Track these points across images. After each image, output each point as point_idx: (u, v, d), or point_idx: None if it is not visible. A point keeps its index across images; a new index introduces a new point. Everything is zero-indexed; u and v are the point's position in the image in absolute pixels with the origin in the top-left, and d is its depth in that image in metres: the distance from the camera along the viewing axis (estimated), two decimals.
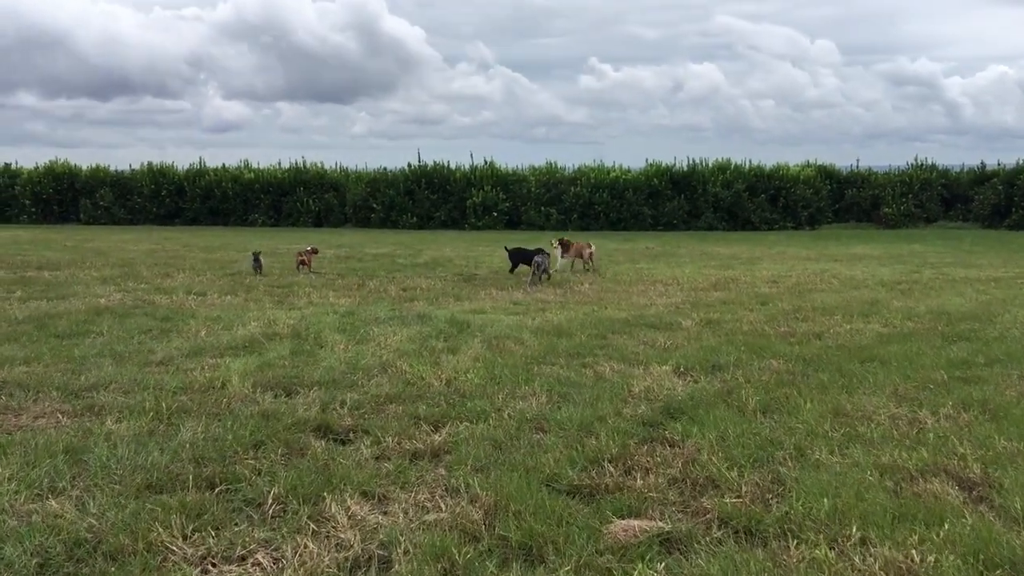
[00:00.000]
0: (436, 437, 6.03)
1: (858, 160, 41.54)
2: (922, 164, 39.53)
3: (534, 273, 16.33)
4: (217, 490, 5.00)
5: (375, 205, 39.50)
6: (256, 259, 17.48)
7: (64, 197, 41.74)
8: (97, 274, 17.13)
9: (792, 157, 43.49)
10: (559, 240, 19.37)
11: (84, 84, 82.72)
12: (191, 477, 5.11)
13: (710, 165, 39.08)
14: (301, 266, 18.07)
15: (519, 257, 18.01)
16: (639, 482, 5.14)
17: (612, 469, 5.34)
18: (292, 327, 10.49)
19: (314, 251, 18.90)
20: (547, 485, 5.11)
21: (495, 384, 7.48)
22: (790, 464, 5.44)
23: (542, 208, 38.34)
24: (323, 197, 40.35)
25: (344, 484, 5.07)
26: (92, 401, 6.84)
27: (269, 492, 4.90)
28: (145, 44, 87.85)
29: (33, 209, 40.86)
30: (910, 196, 37.94)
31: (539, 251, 17.74)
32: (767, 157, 38.76)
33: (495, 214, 38.32)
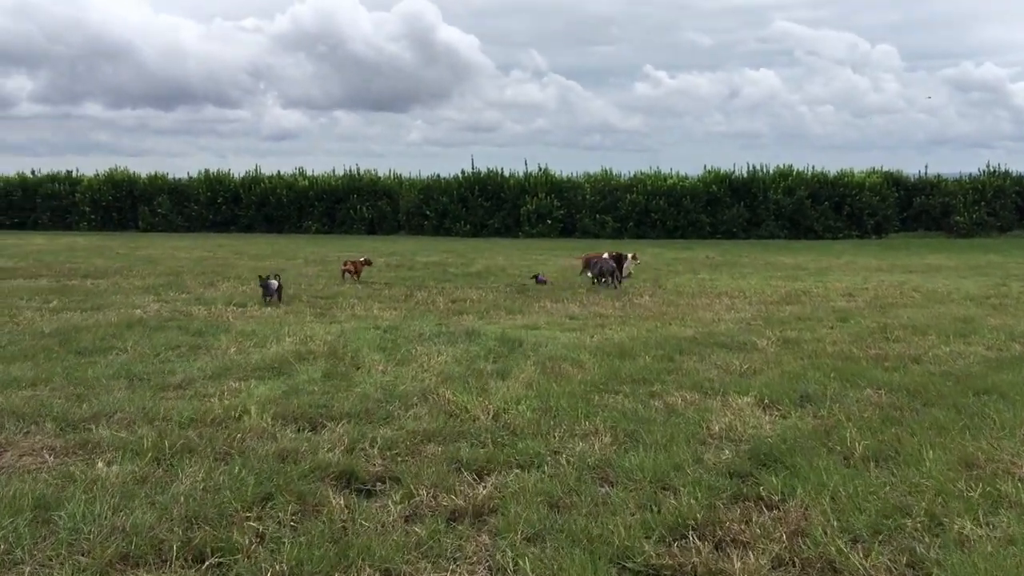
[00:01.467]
0: (480, 490, 4.94)
1: (927, 166, 39.67)
2: (995, 171, 37.38)
3: (605, 280, 16.14)
4: (207, 564, 3.98)
5: (428, 212, 38.66)
6: (267, 284, 13.55)
7: (123, 204, 41.65)
8: (140, 283, 16.43)
9: (852, 164, 41.88)
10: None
11: (148, 94, 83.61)
12: (176, 546, 4.09)
13: (771, 172, 37.46)
14: (346, 275, 17.09)
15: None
16: (736, 564, 3.99)
17: (699, 543, 4.19)
18: (329, 345, 9.50)
19: (367, 262, 17.71)
20: (617, 564, 4.00)
21: (550, 419, 6.37)
22: (926, 539, 4.24)
23: (597, 216, 37.11)
24: (376, 204, 39.64)
25: (362, 559, 4.01)
26: (88, 436, 5.88)
27: (268, 571, 3.86)
28: (206, 55, 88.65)
29: (93, 216, 40.84)
30: (983, 204, 35.85)
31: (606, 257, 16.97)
32: (826, 164, 37.19)
33: (549, 222, 37.21)
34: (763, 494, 4.82)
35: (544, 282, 16.31)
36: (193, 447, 5.62)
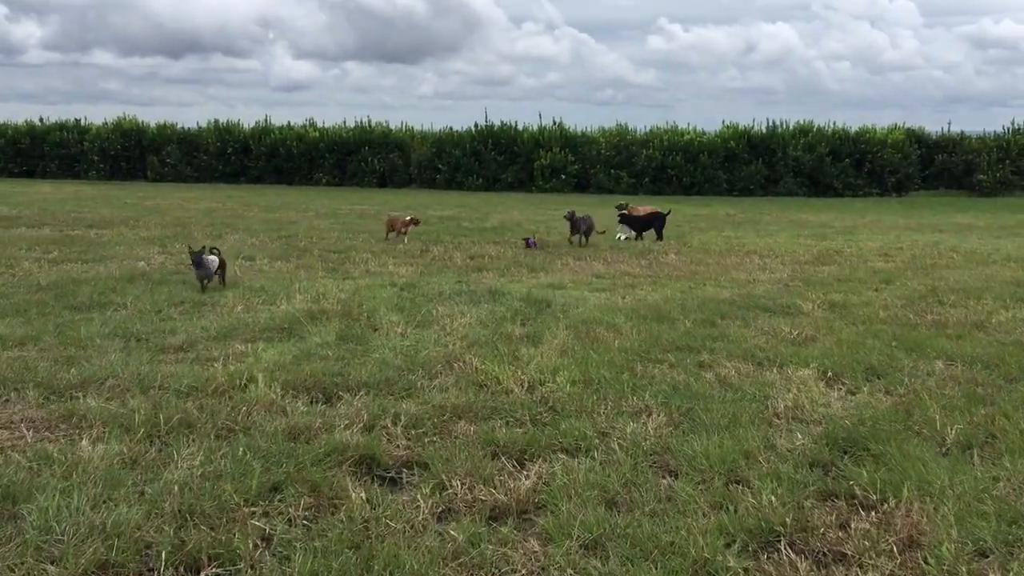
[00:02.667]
0: (522, 481, 4.20)
1: (949, 123, 38.43)
2: (1019, 128, 36.16)
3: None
4: (202, 575, 3.27)
5: (440, 166, 37.71)
6: (200, 259, 9.51)
7: (132, 154, 40.77)
8: (146, 234, 15.67)
9: (868, 121, 40.34)
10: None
11: (157, 43, 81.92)
12: (166, 552, 3.37)
13: (790, 127, 36.36)
14: (390, 235, 15.38)
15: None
16: None
17: (794, 556, 3.45)
18: (343, 303, 8.75)
19: (414, 222, 15.37)
20: None
21: (593, 392, 5.62)
22: None
23: (612, 171, 36.14)
24: (388, 157, 38.70)
25: (390, 571, 3.28)
26: (74, 407, 5.15)
27: None
28: (216, 4, 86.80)
29: (101, 165, 40.01)
30: (1007, 162, 34.72)
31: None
32: (843, 120, 35.83)
33: (563, 176, 36.25)
34: (855, 491, 4.06)
35: (535, 246, 14.60)
36: (192, 422, 4.88)
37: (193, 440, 4.60)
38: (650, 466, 4.45)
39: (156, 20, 79.24)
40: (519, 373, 6.02)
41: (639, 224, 16.47)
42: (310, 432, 4.82)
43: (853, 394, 5.83)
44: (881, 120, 35.11)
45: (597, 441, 4.75)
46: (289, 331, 7.38)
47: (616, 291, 10.04)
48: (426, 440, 4.77)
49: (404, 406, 5.28)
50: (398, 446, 4.69)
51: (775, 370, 6.32)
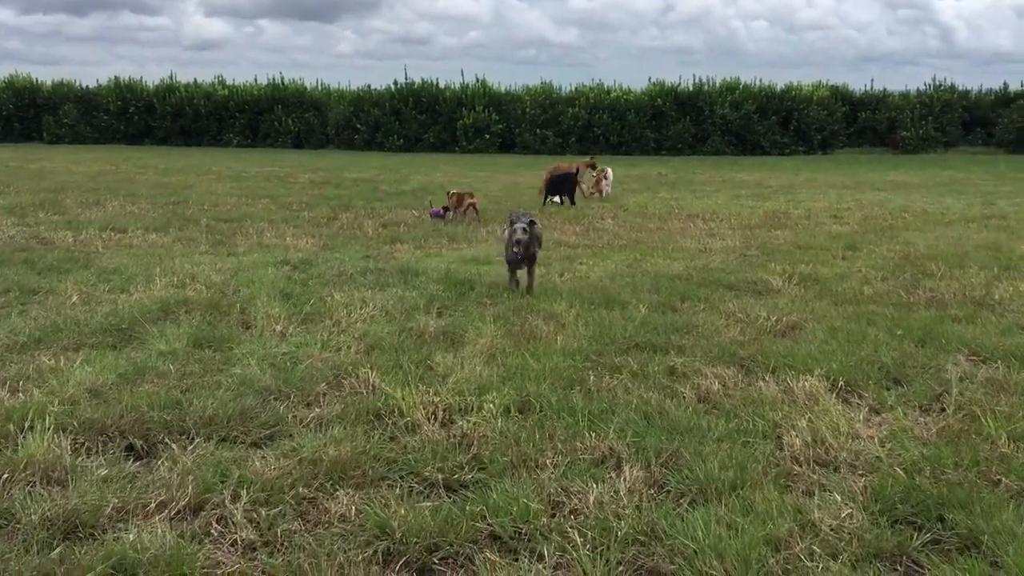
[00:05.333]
0: None
1: (872, 80, 37.64)
2: (940, 84, 35.56)
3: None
4: None
5: (359, 126, 35.40)
6: None
7: (26, 114, 37.36)
8: (5, 201, 13.32)
9: (786, 79, 39.24)
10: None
11: None
12: None
13: (717, 85, 35.04)
14: (451, 211, 12.16)
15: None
16: None
17: None
18: (214, 289, 6.87)
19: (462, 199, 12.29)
20: None
21: (535, 428, 3.91)
22: None
23: (538, 130, 34.34)
24: (303, 116, 36.17)
25: None
26: None
27: None
28: None
29: None
30: (930, 119, 34.07)
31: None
32: (762, 78, 34.59)
33: (487, 136, 34.35)
34: None
35: (441, 215, 12.10)
36: None
37: None
38: (632, 574, 2.77)
39: None
40: (431, 395, 4.27)
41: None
42: (84, 531, 3.01)
43: (878, 413, 4.27)
44: (798, 79, 34.18)
45: (545, 523, 3.05)
46: (128, 335, 5.47)
47: (552, 266, 8.34)
48: (280, 530, 3.01)
49: (258, 464, 3.49)
50: (234, 545, 2.92)
51: (769, 378, 4.71)
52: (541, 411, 4.12)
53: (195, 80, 37.77)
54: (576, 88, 35.86)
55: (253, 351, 5.10)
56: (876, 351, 5.24)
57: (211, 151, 32.78)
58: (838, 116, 34.83)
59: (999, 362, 5.04)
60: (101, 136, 36.59)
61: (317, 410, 4.17)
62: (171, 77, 37.81)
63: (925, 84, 35.72)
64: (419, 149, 34.64)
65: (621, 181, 19.92)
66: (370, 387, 4.49)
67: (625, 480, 3.34)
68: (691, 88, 34.89)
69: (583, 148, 33.80)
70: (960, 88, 35.61)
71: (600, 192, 15.77)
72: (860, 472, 3.53)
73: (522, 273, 7.07)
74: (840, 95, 35.81)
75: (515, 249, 6.60)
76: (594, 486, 3.30)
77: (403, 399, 4.17)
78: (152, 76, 41.79)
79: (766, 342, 5.48)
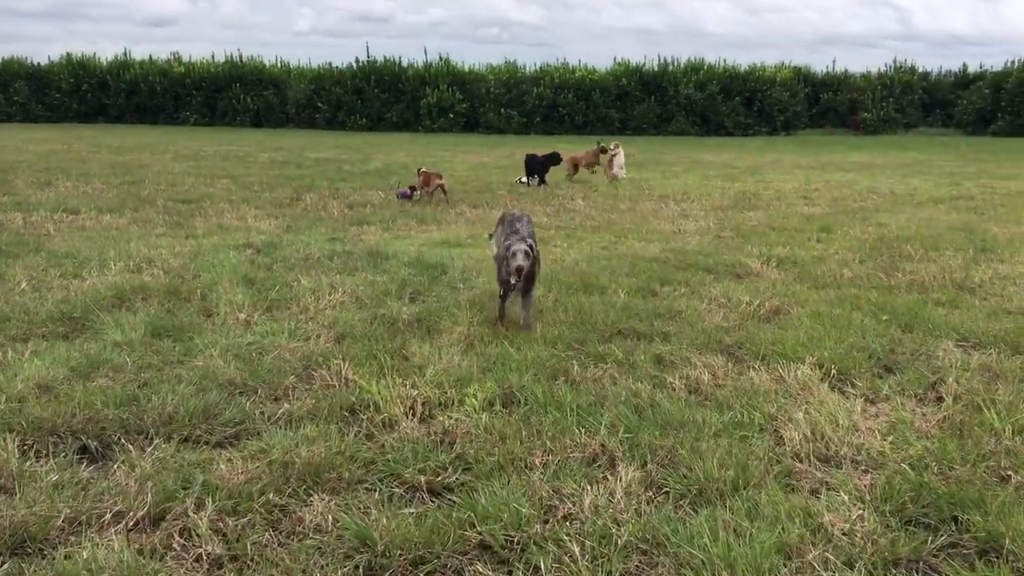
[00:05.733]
0: None
1: (834, 61, 37.80)
2: (901, 66, 35.79)
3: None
4: None
5: (320, 104, 34.73)
6: None
7: None
8: None
9: (746, 61, 39.21)
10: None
11: None
12: None
13: (682, 65, 34.89)
14: (423, 191, 11.61)
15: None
16: None
17: None
18: (173, 274, 6.53)
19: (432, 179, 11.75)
20: None
21: (520, 423, 3.68)
22: None
23: (502, 110, 33.96)
24: (262, 95, 35.40)
25: None
26: None
27: None
28: None
29: None
30: (891, 100, 34.28)
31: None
32: (724, 59, 34.32)
33: (451, 116, 33.89)
34: None
35: (408, 196, 11.67)
36: None
37: None
38: None
39: None
40: (408, 388, 4.02)
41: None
42: (45, 537, 2.72)
43: (874, 403, 4.10)
44: (759, 60, 34.26)
45: (539, 530, 2.82)
46: (80, 323, 5.14)
47: None
48: (249, 542, 2.74)
49: (223, 468, 3.21)
50: (199, 561, 2.65)
51: (760, 366, 4.52)
52: (526, 405, 3.88)
53: (150, 57, 36.80)
54: (541, 67, 35.57)
55: (216, 341, 4.80)
56: (864, 337, 5.09)
57: (167, 129, 31.94)
58: (801, 97, 34.94)
59: (990, 348, 4.91)
60: (53, 114, 35.50)
61: (286, 405, 3.89)
62: (125, 54, 36.80)
63: (886, 65, 36.01)
64: (382, 128, 34.10)
65: None
66: (343, 379, 4.22)
67: (621, 481, 3.12)
68: (656, 68, 34.73)
69: (548, 128, 33.54)
70: (920, 70, 35.89)
71: (614, 176, 15.10)
72: (864, 468, 3.35)
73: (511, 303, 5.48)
74: (803, 76, 35.90)
75: (514, 280, 5.02)
76: (588, 488, 3.08)
77: (379, 393, 3.91)
78: (106, 53, 40.63)
79: (752, 328, 5.31)
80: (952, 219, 10.57)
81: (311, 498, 3.02)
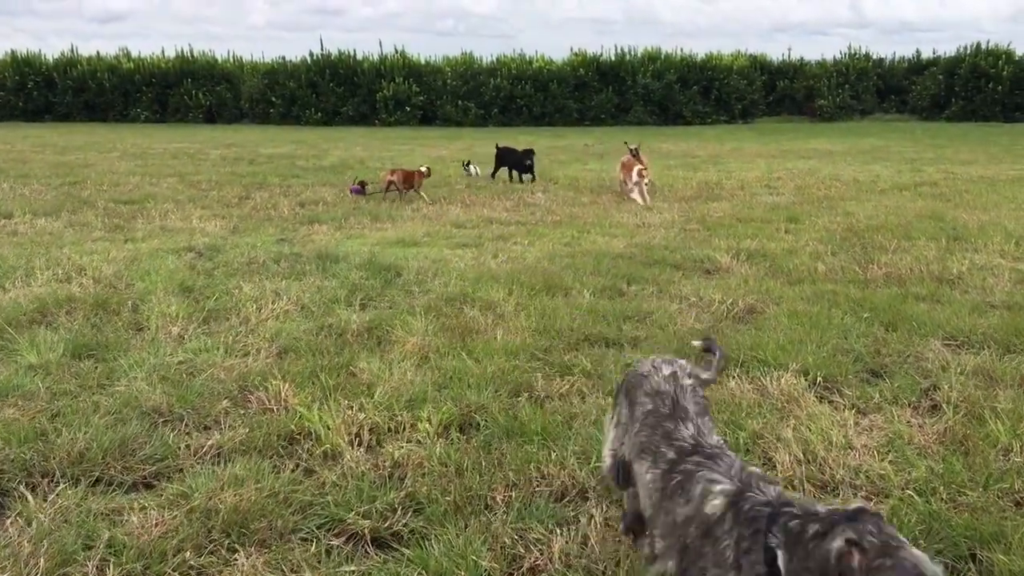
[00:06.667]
0: None
1: (790, 50, 37.81)
2: (856, 52, 35.84)
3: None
4: None
5: (274, 99, 33.89)
6: None
7: None
8: None
9: (701, 49, 38.92)
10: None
11: None
12: None
13: (639, 54, 34.62)
14: (392, 188, 11.06)
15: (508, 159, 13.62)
16: None
17: None
18: (105, 283, 6.00)
19: (427, 173, 11.53)
20: None
21: (479, 452, 3.26)
22: None
23: (460, 102, 33.41)
24: (215, 90, 34.46)
25: None
26: None
27: None
28: None
29: None
30: (846, 87, 34.31)
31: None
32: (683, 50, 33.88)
33: (408, 109, 33.28)
34: None
35: (361, 192, 11.28)
36: None
37: None
38: None
39: None
40: (354, 412, 3.58)
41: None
42: None
43: (865, 414, 3.75)
44: (715, 48, 34.11)
45: None
46: None
47: (484, 246, 7.68)
48: None
49: (135, 520, 2.75)
50: None
51: (740, 373, 4.15)
52: (486, 429, 3.46)
53: (98, 53, 35.62)
54: (498, 59, 35.04)
55: (142, 361, 4.31)
56: (846, 338, 4.75)
57: (117, 127, 30.90)
58: (757, 85, 34.85)
59: (980, 348, 4.59)
60: None
61: (216, 436, 3.43)
62: (72, 50, 35.59)
63: (840, 52, 36.07)
64: (338, 122, 33.37)
65: (548, 153, 19.33)
66: (282, 402, 3.76)
67: (595, 524, 2.71)
68: (613, 58, 34.41)
69: (506, 119, 33.08)
70: (875, 56, 35.99)
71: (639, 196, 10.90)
72: (865, 495, 2.98)
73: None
74: (759, 64, 35.82)
75: None
76: (558, 531, 2.67)
77: (320, 420, 3.46)
78: (52, 50, 39.19)
79: (727, 330, 4.94)
80: (919, 207, 10.33)
81: (235, 555, 2.57)
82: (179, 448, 3.32)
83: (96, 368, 4.24)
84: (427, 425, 3.42)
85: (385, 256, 7.02)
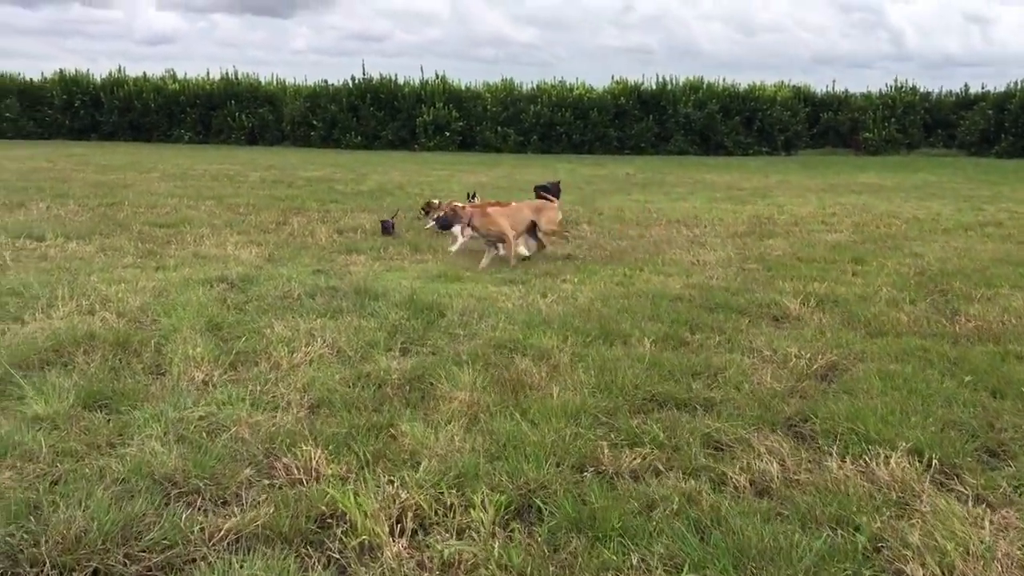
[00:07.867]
0: None
1: (834, 82, 36.99)
2: (903, 86, 34.98)
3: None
4: None
5: (315, 122, 33.77)
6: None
7: None
8: None
9: (742, 80, 38.16)
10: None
11: None
12: None
13: (681, 83, 34.04)
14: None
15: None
16: None
17: None
18: (129, 317, 5.55)
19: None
20: None
21: (544, 554, 2.71)
22: None
23: (499, 128, 33.05)
24: (257, 112, 34.43)
25: None
26: None
27: None
28: None
29: None
30: (892, 120, 33.44)
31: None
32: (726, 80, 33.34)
33: (447, 134, 32.95)
34: None
35: (390, 231, 9.97)
36: None
37: None
38: None
39: None
40: (395, 489, 3.05)
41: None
42: None
43: (993, 508, 3.14)
44: (757, 79, 33.53)
45: None
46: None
47: (532, 284, 7.15)
48: None
49: None
50: None
51: (837, 453, 3.56)
52: (550, 517, 2.92)
53: (144, 74, 35.84)
54: (538, 85, 34.64)
55: (160, 414, 3.82)
56: (952, 408, 4.14)
57: (160, 147, 30.98)
58: (801, 117, 34.08)
59: None
60: (45, 131, 34.47)
61: (235, 517, 2.92)
62: (119, 70, 35.84)
63: (887, 85, 35.14)
64: (377, 146, 33.18)
65: (589, 182, 18.85)
66: (312, 473, 3.25)
67: None
68: (654, 87, 33.87)
69: (545, 146, 32.67)
70: (921, 90, 35.11)
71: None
72: None
73: None
74: (802, 96, 35.08)
75: None
76: None
77: (355, 505, 2.94)
78: (101, 70, 39.61)
79: (812, 392, 4.35)
80: (991, 249, 9.64)
81: None
82: (192, 531, 2.82)
83: (108, 422, 3.76)
84: (481, 515, 2.88)
85: (427, 293, 6.51)
